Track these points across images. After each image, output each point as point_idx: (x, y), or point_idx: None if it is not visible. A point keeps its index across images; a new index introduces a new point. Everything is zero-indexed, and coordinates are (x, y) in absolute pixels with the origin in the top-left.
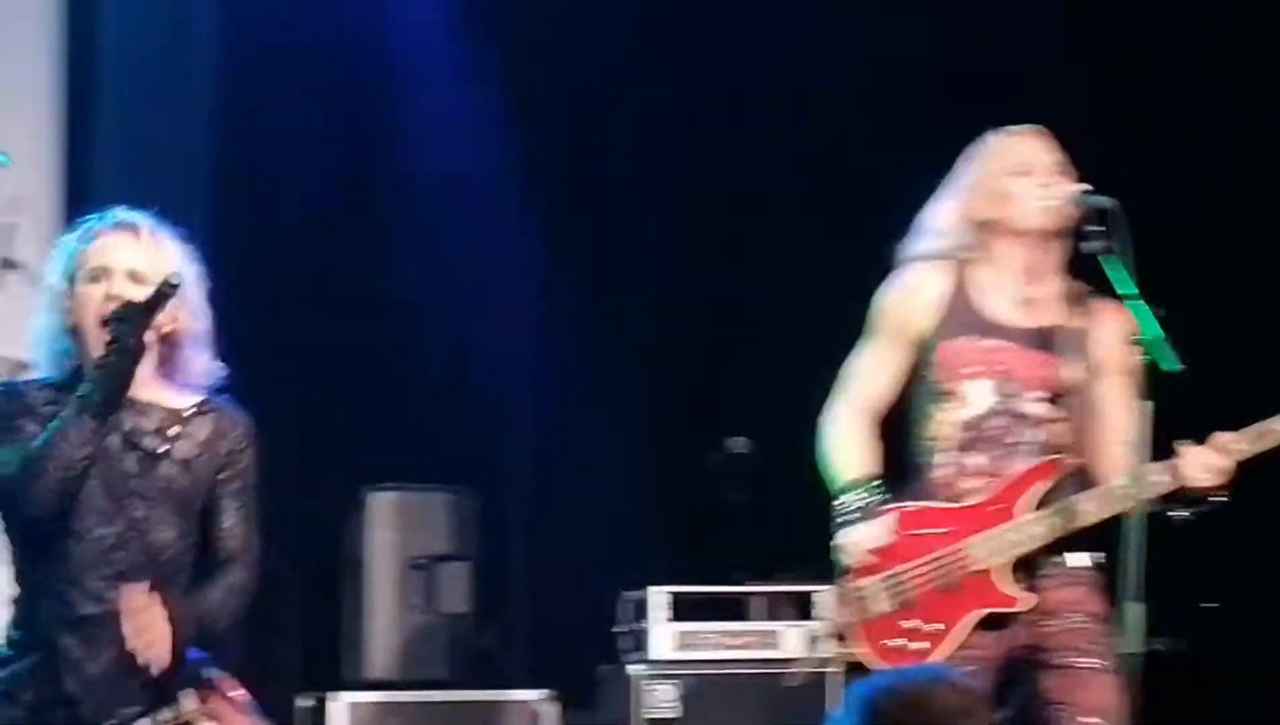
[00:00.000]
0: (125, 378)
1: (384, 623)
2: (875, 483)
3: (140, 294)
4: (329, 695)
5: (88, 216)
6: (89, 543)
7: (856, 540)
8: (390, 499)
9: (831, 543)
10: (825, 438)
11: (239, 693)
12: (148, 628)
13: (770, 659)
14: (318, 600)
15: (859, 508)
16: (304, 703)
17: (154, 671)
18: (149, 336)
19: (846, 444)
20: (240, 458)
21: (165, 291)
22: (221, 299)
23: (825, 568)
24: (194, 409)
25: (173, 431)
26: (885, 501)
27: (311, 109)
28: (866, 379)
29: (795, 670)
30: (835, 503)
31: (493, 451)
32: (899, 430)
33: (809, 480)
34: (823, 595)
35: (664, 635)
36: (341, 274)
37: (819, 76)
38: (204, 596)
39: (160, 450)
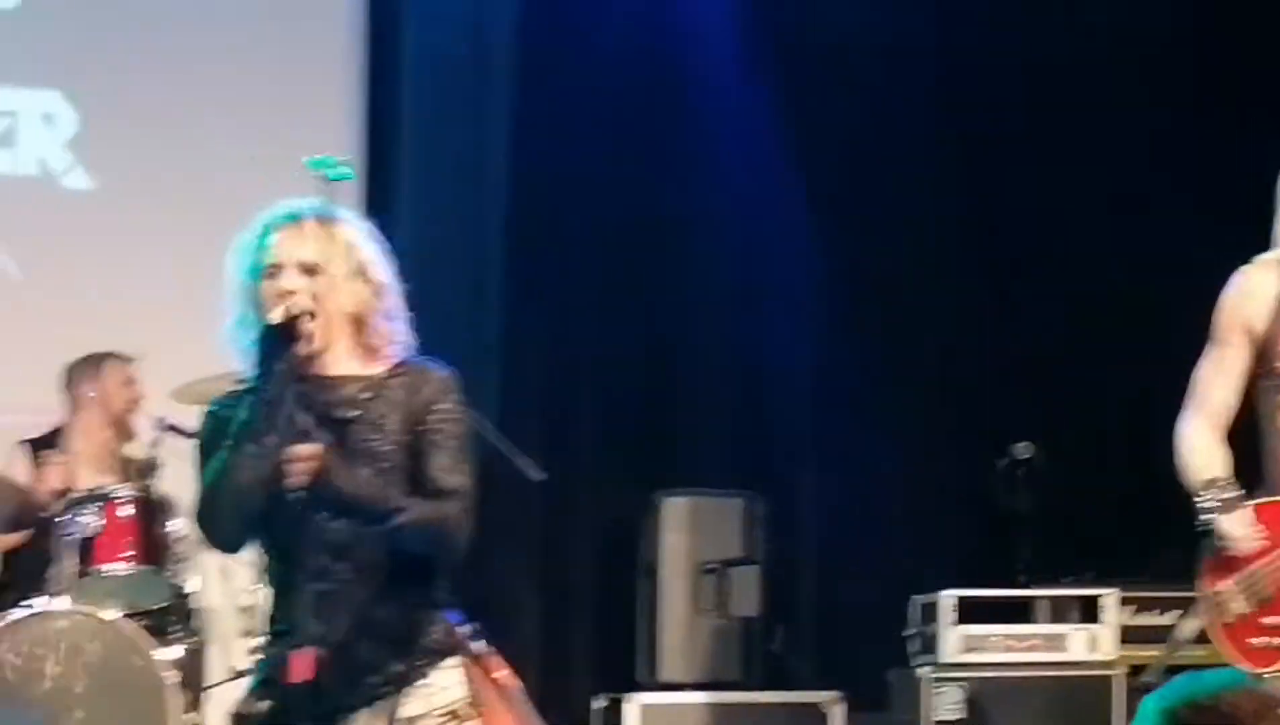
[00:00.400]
0: (278, 400)
1: (676, 625)
2: (1230, 481)
3: (308, 287)
4: (623, 696)
5: (268, 213)
6: (306, 526)
7: (1231, 530)
8: (682, 504)
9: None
10: (1178, 444)
11: (505, 674)
12: (306, 454)
13: (1057, 662)
14: (611, 602)
15: (1218, 503)
16: (599, 703)
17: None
18: (332, 317)
19: (1199, 448)
20: (440, 409)
21: (295, 321)
22: (515, 305)
23: (1110, 571)
24: (387, 373)
25: (365, 396)
26: (1243, 497)
27: (604, 114)
28: (1213, 385)
29: (1153, 667)
30: (1195, 501)
31: (782, 457)
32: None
33: (1093, 485)
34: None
35: (952, 638)
36: (634, 280)
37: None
38: (398, 501)
39: (352, 415)
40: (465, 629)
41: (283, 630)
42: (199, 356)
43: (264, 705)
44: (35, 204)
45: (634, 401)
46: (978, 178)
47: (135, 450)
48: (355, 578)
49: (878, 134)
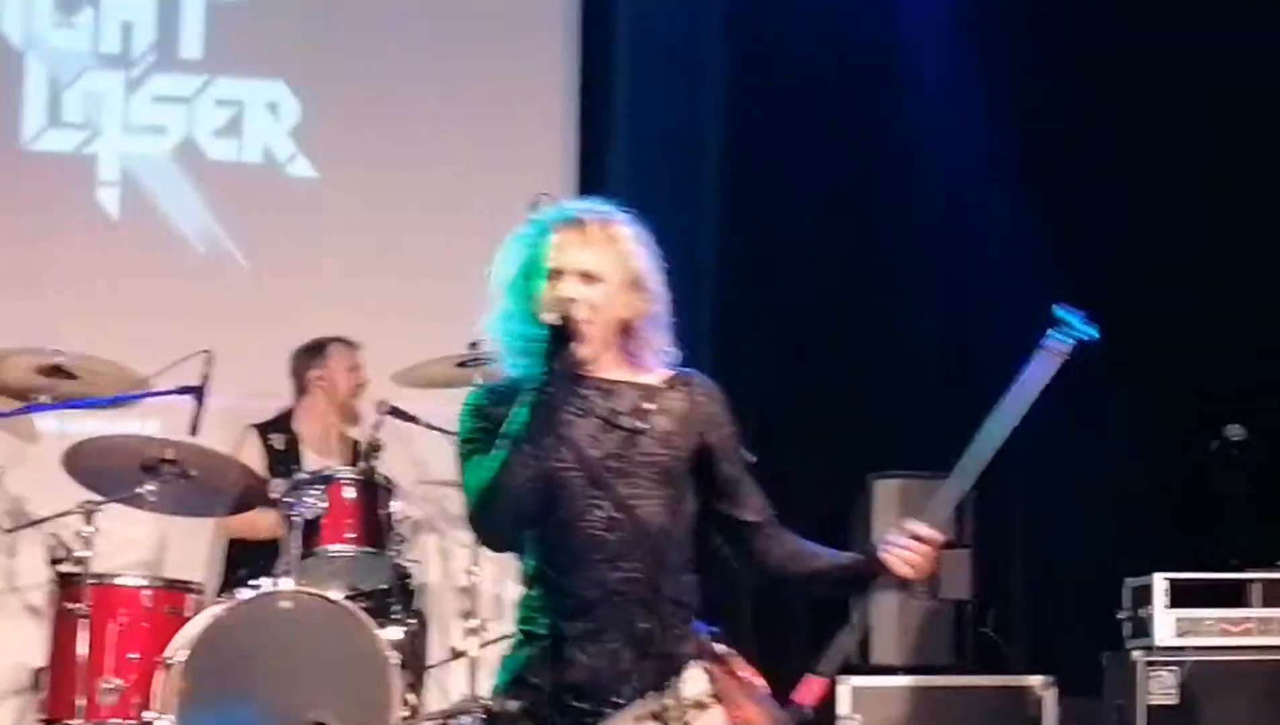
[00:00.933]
0: (556, 402)
1: (888, 609)
2: None
3: (587, 296)
4: (837, 679)
5: (543, 212)
6: (580, 529)
7: None
8: (894, 486)
9: None
10: None
11: (750, 674)
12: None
13: (1272, 646)
14: None
15: None
16: None
17: None
18: (607, 323)
19: None
20: (723, 425)
21: (574, 324)
22: (726, 294)
23: None
24: (665, 384)
25: (648, 406)
26: None
27: (814, 104)
28: None
29: None
30: None
31: None
32: None
33: None
34: None
35: (1166, 621)
36: (844, 265)
37: None
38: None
39: (639, 426)
40: (709, 633)
41: (540, 633)
42: (419, 341)
43: (514, 705)
44: (260, 191)
45: (844, 385)
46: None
47: (358, 433)
48: (627, 586)
49: (1100, 112)
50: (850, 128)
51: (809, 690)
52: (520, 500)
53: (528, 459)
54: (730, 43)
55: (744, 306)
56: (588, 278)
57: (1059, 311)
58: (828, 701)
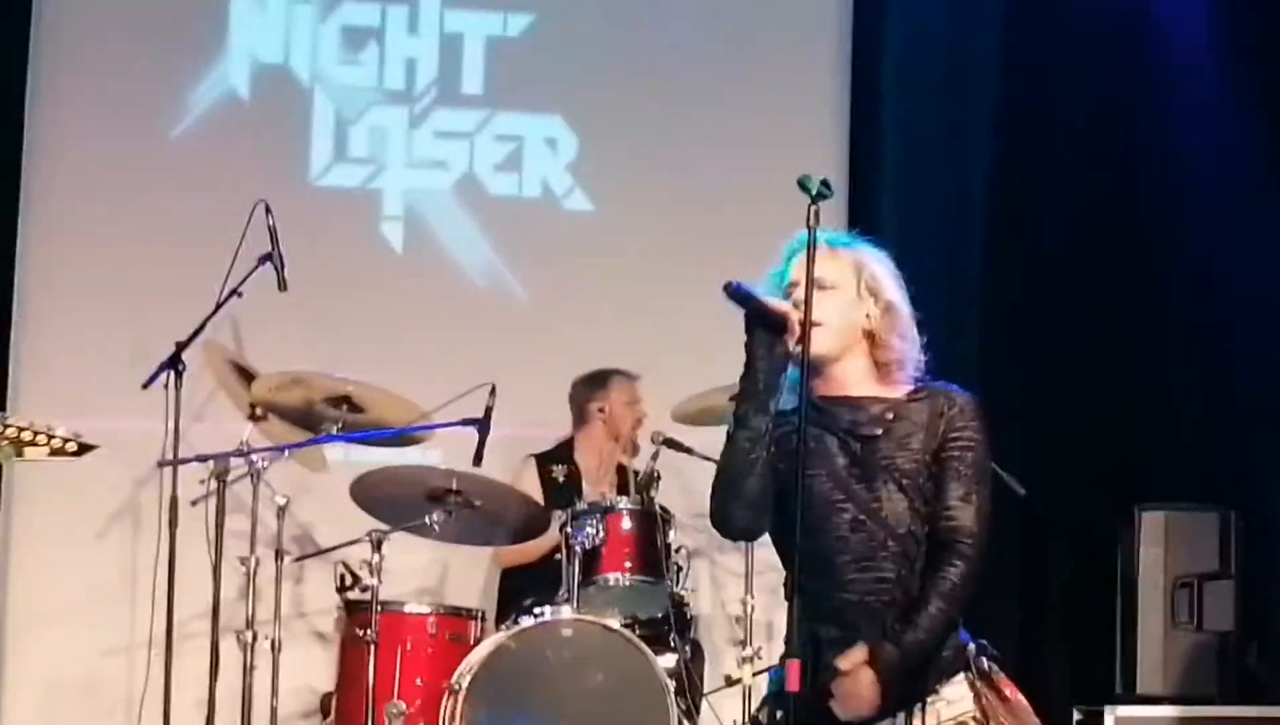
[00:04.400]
0: (767, 387)
1: (1152, 639)
2: None
3: (821, 302)
4: (1101, 709)
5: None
6: (826, 533)
7: None
8: (1158, 518)
9: None
10: None
11: (1013, 691)
12: (852, 693)
13: None
14: (1088, 616)
15: None
16: (1077, 715)
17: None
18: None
19: None
20: (961, 435)
21: (781, 314)
22: (991, 324)
23: None
24: (909, 396)
25: (889, 416)
26: None
27: (1081, 131)
28: None
29: None
30: None
31: (1258, 470)
32: None
33: None
34: None
35: None
36: (1106, 295)
37: None
38: (916, 629)
39: (877, 432)
40: (973, 646)
41: (799, 638)
42: (694, 372)
43: (778, 715)
44: (538, 225)
45: (1109, 416)
46: None
47: (633, 463)
48: (877, 589)
49: None
50: (1115, 158)
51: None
52: (739, 479)
53: (743, 444)
54: (998, 74)
55: (1009, 339)
56: (819, 285)
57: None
58: None
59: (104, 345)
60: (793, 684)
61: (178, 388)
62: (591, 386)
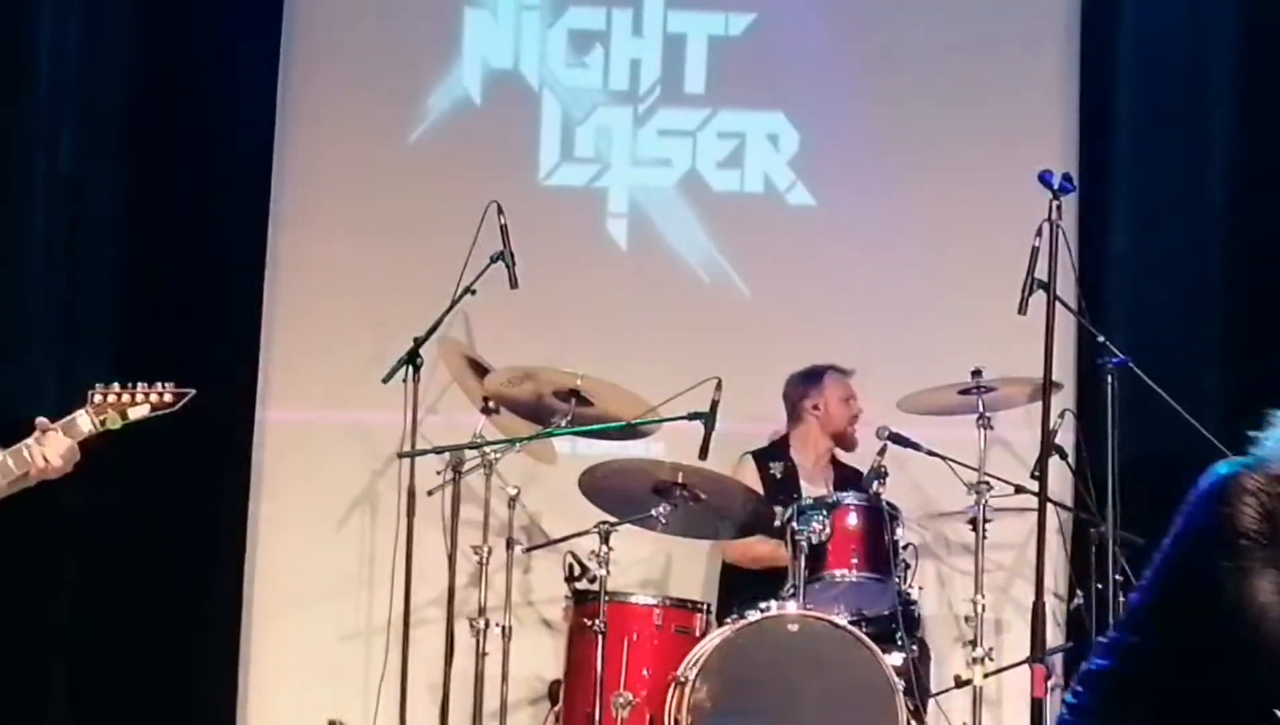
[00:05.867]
0: None
1: None
2: None
3: None
4: None
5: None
6: None
7: None
8: None
9: None
10: None
11: None
12: None
13: None
14: None
15: None
16: None
17: None
18: None
19: None
20: None
21: None
22: (1235, 313)
23: None
24: None
25: None
26: None
27: None
28: None
29: None
30: None
31: None
32: None
33: None
34: None
35: None
36: None
37: None
38: None
39: None
40: None
41: None
42: (918, 367)
43: None
44: (761, 221)
45: None
46: None
47: (853, 459)
48: None
49: None
50: None
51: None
52: None
53: None
54: (1243, 37)
55: (1254, 328)
56: None
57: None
58: None
59: (346, 341)
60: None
61: (415, 382)
62: (805, 383)
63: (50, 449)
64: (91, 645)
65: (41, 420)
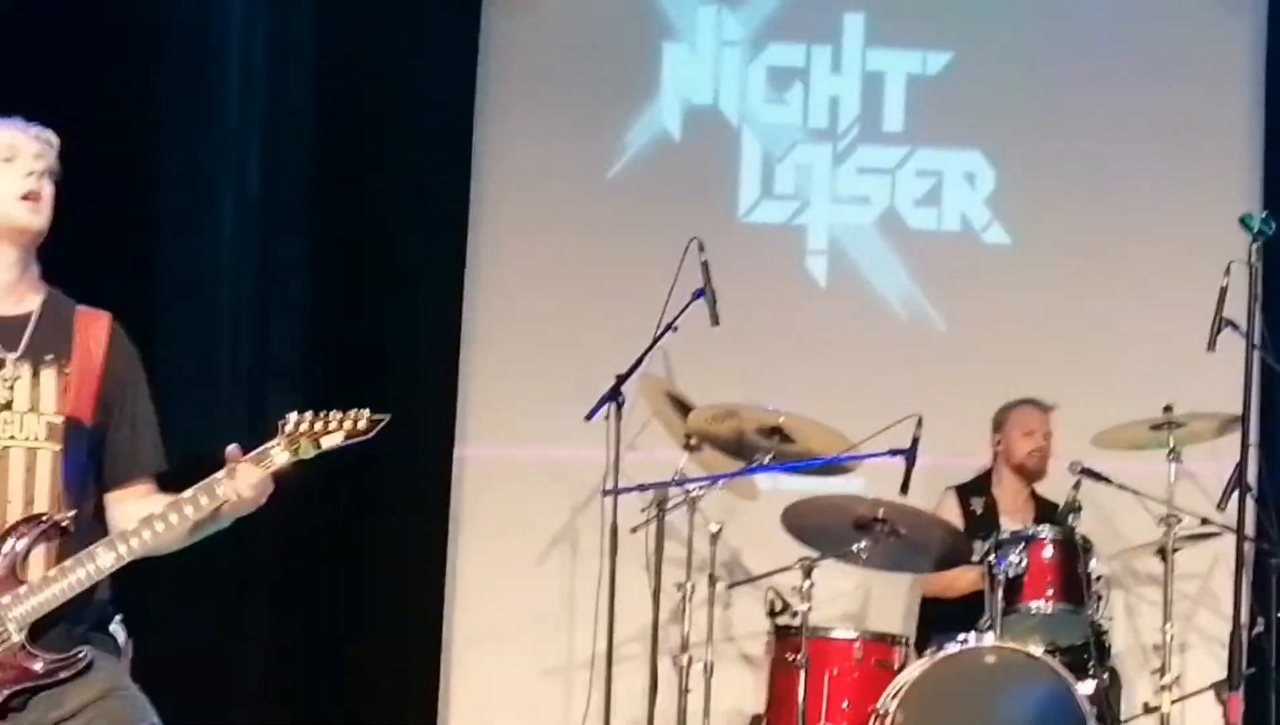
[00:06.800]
0: None
1: None
2: None
3: None
4: None
5: None
6: None
7: None
8: None
9: None
10: None
11: None
12: None
13: None
14: None
15: None
16: None
17: None
18: None
19: None
20: None
21: None
22: None
23: None
24: None
25: None
26: None
27: None
28: None
29: None
30: None
31: None
32: None
33: None
34: None
35: None
36: None
37: None
38: None
39: None
40: None
41: None
42: (1114, 402)
43: None
44: (957, 258)
45: None
46: None
47: (1049, 492)
48: None
49: None
50: None
51: None
52: None
53: None
54: None
55: None
56: None
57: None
58: None
59: (546, 377)
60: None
61: (618, 419)
62: (998, 417)
63: (242, 481)
64: (291, 680)
65: (232, 450)
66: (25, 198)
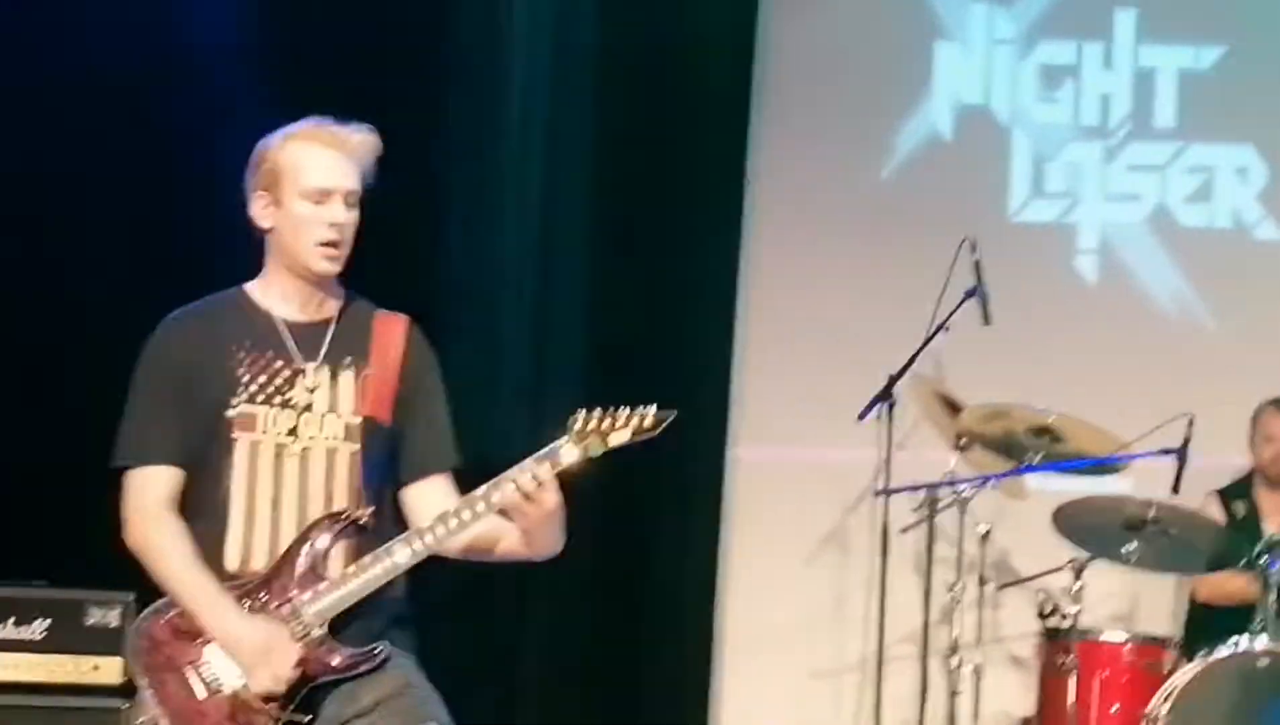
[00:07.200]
0: None
1: None
2: None
3: None
4: None
5: None
6: None
7: None
8: None
9: None
10: None
11: None
12: None
13: None
14: None
15: None
16: None
17: None
18: None
19: None
20: None
21: None
22: None
23: None
24: None
25: None
26: None
27: None
28: None
29: None
30: None
31: None
32: None
33: None
34: None
35: None
36: None
37: None
38: None
39: None
40: None
41: None
42: None
43: None
44: (1228, 256)
45: None
46: None
47: None
48: None
49: None
50: None
51: None
52: None
53: None
54: None
55: None
56: None
57: None
58: None
59: (817, 378)
60: None
61: (889, 420)
62: (1253, 418)
63: (531, 477)
64: (564, 681)
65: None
66: (325, 244)
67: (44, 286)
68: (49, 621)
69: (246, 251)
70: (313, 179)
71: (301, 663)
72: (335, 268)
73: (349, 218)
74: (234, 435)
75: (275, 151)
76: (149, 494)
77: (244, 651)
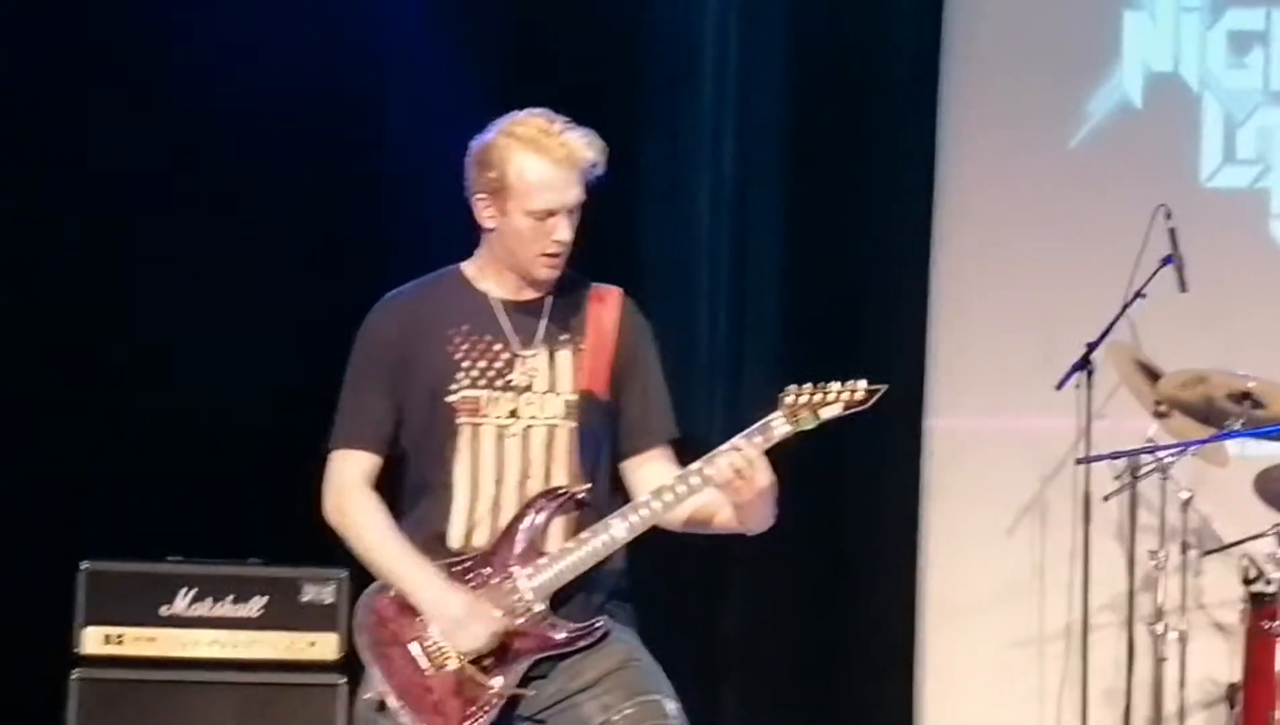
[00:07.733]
0: None
1: None
2: None
3: None
4: None
5: None
6: None
7: None
8: None
9: None
10: None
11: None
12: None
13: None
14: None
15: None
16: None
17: None
18: None
19: None
20: None
21: None
22: None
23: None
24: None
25: None
26: None
27: None
28: None
29: None
30: None
31: None
32: None
33: None
34: None
35: None
36: None
37: None
38: None
39: None
40: None
41: None
42: None
43: None
44: None
45: None
46: None
47: None
48: None
49: None
50: None
51: None
52: None
53: None
54: None
55: None
56: None
57: None
58: None
59: (1014, 347)
60: None
61: (1088, 388)
62: None
63: (745, 454)
64: (763, 652)
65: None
66: (547, 255)
67: (263, 278)
68: (266, 599)
69: (456, 239)
70: (540, 201)
71: (522, 637)
72: (555, 274)
73: (572, 231)
74: (458, 420)
75: (502, 157)
76: (346, 472)
77: (442, 617)
